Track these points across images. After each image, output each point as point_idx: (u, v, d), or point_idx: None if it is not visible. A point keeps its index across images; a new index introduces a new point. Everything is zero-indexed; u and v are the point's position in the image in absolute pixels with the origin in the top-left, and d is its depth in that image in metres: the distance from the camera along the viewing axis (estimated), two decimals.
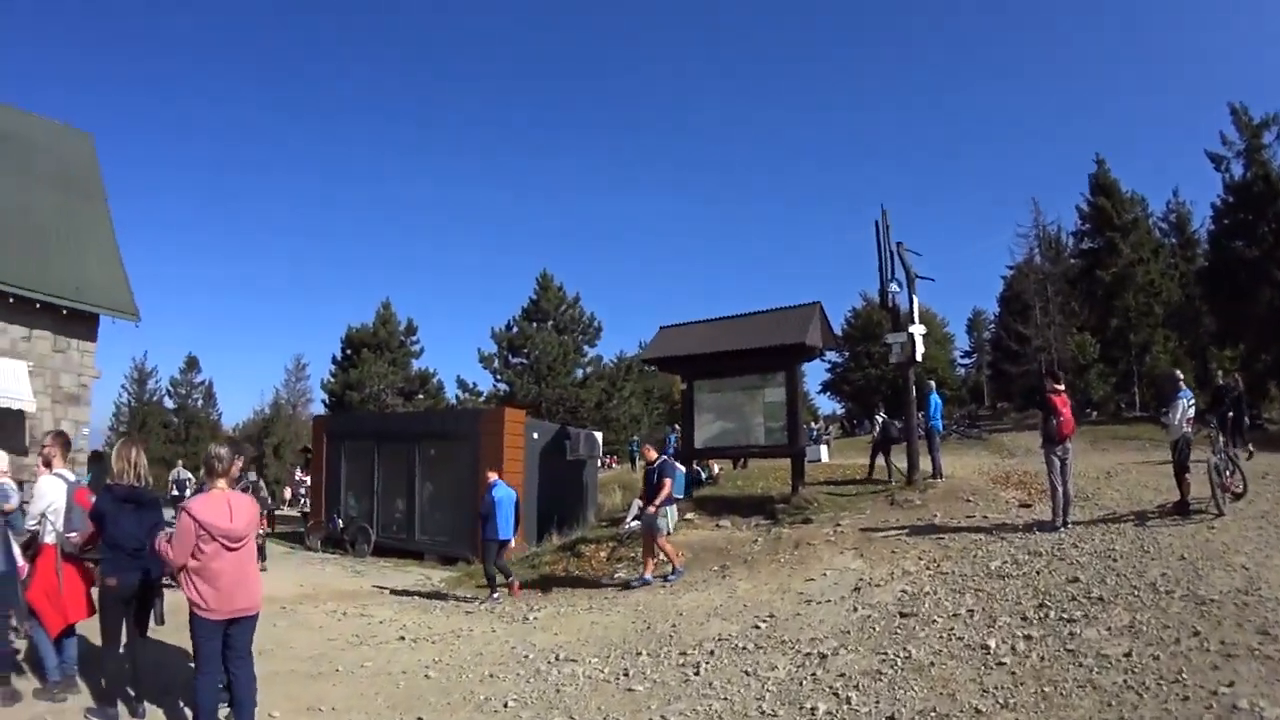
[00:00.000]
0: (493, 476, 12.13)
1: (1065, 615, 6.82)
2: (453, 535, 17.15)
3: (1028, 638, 6.43)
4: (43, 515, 6.11)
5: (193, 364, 61.59)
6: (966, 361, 67.11)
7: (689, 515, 14.45)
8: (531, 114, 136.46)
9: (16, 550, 6.22)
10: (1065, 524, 10.14)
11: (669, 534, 11.40)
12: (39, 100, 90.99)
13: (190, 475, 25.01)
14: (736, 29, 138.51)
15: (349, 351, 41.35)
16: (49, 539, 6.11)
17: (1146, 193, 39.63)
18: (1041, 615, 6.93)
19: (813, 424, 39.91)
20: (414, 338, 43.62)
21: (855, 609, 8.15)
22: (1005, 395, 51.75)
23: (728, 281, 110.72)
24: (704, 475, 19.63)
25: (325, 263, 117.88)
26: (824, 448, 14.03)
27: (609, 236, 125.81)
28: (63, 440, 6.81)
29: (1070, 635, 6.35)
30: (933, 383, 16.52)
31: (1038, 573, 8.26)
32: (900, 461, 15.03)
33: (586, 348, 38.26)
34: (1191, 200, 41.88)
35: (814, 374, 62.47)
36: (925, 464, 15.09)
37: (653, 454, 11.72)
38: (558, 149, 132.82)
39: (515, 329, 37.67)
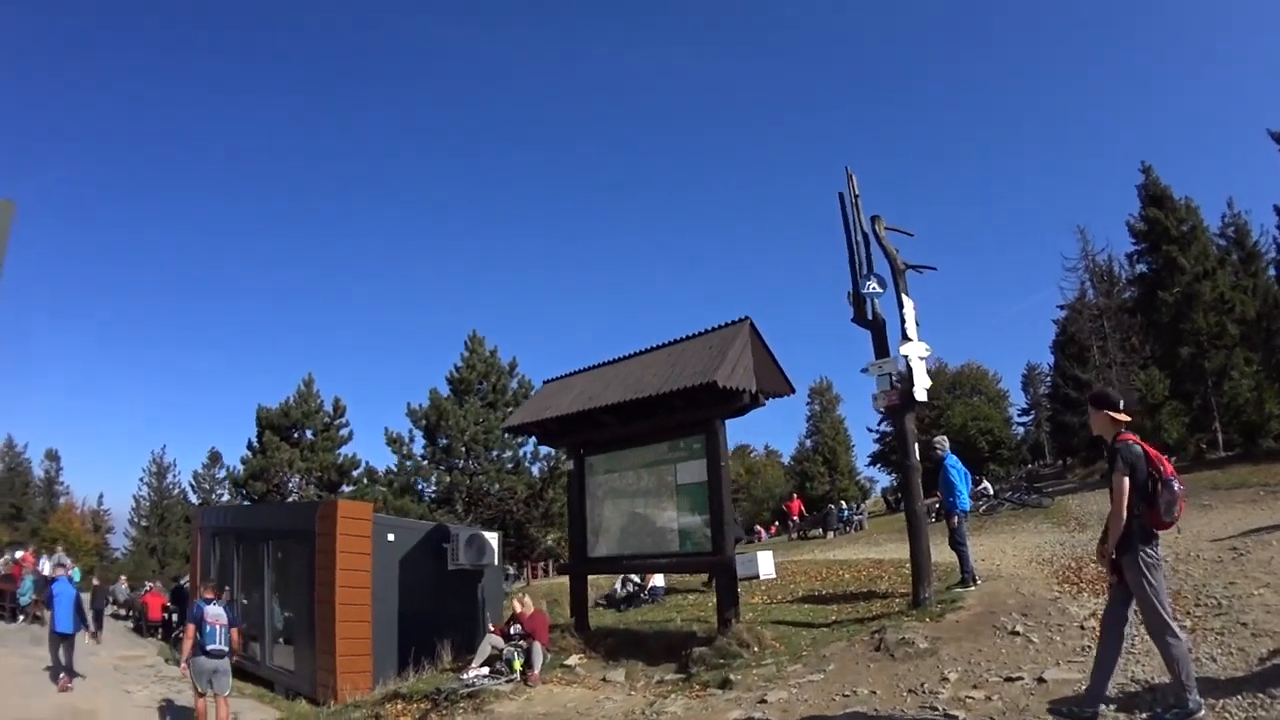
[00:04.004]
0: (60, 573, 12.92)
1: None
2: (296, 662, 13.58)
3: None
4: None
5: (215, 458, 56.28)
6: (1024, 420, 61.97)
7: (571, 660, 9.62)
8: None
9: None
10: (1197, 704, 4.69)
11: (222, 693, 9.40)
12: None
13: (69, 561, 24.24)
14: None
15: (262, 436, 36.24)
16: None
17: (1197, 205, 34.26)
18: None
19: (844, 505, 34.46)
20: (341, 419, 38.04)
21: None
22: (1068, 450, 46.19)
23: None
24: (637, 590, 14.25)
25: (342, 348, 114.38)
26: (765, 557, 8.57)
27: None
28: None
29: None
30: (945, 440, 10.90)
31: None
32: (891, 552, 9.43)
33: None
34: (1247, 209, 36.85)
35: (862, 445, 56.93)
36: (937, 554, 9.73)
37: (208, 592, 9.79)
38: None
39: (432, 403, 31.78)
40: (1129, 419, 5.14)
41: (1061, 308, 42.56)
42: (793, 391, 10.08)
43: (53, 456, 59.61)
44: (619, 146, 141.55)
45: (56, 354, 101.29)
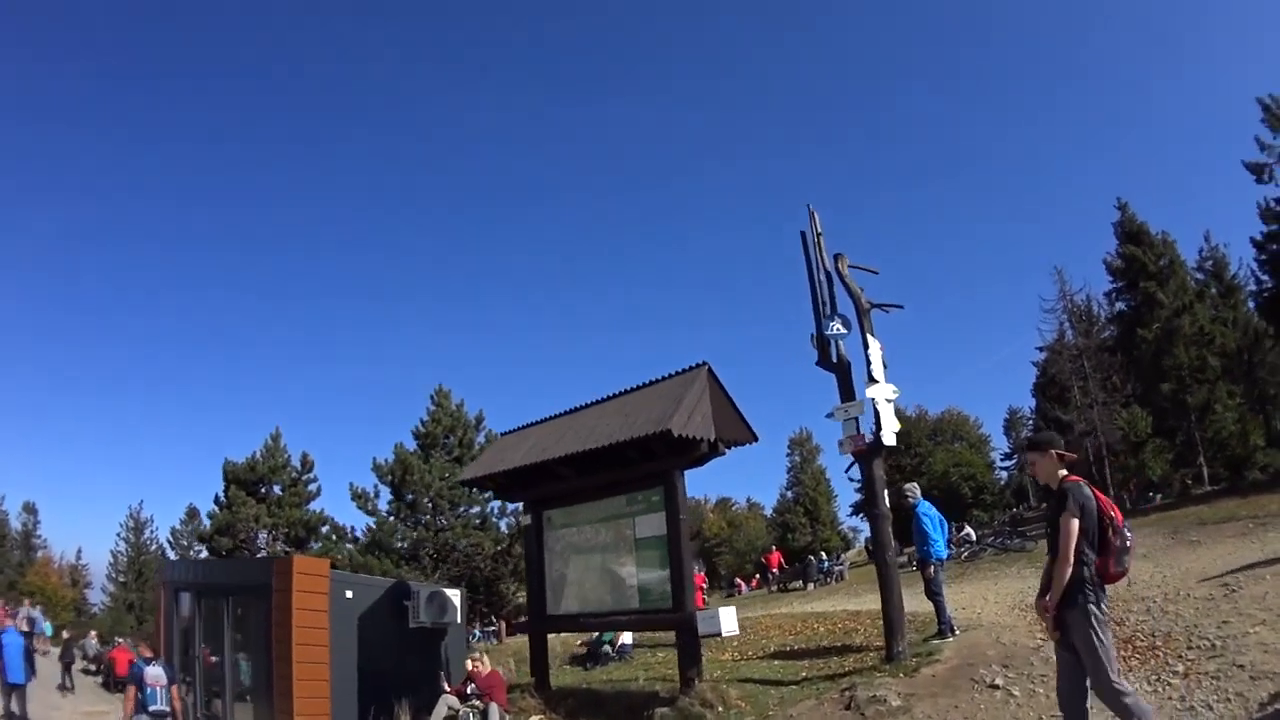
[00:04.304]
0: (8, 623, 13.20)
1: None
2: None
3: None
4: None
5: (193, 514, 54.53)
6: (1007, 464, 61.54)
7: None
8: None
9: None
10: None
11: None
12: None
13: (38, 614, 25.44)
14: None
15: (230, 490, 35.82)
16: None
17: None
18: None
19: (824, 556, 34.07)
20: (309, 474, 37.62)
21: None
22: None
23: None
24: (605, 647, 13.74)
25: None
26: (727, 613, 8.09)
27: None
28: None
29: None
30: (916, 487, 10.50)
31: None
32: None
33: None
34: (1225, 243, 37.01)
35: (845, 495, 56.27)
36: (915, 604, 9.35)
37: (146, 651, 10.15)
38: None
39: (398, 458, 31.34)
40: (1076, 458, 4.81)
41: (1041, 349, 41.90)
42: (755, 439, 9.68)
43: (30, 509, 58.30)
44: (588, 197, 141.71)
45: (35, 406, 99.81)
